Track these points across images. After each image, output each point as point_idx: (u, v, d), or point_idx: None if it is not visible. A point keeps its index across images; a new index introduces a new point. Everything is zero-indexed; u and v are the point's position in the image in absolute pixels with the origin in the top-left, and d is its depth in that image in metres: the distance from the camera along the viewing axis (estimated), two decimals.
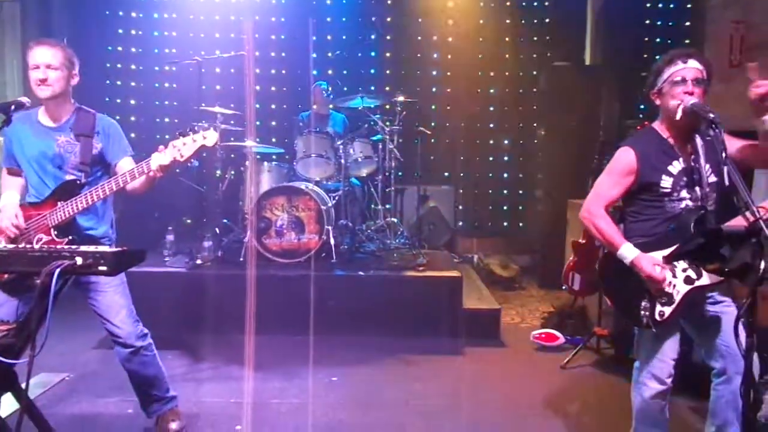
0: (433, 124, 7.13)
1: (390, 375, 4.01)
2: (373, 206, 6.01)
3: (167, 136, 6.89)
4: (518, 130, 7.39)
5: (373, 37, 7.10)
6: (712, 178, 2.42)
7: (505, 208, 7.50)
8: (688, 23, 6.55)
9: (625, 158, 2.49)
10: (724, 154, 2.09)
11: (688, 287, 2.40)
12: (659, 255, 2.43)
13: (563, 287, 4.51)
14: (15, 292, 2.54)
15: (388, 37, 7.27)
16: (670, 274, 2.40)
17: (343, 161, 5.39)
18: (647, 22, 6.79)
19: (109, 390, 3.54)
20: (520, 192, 7.46)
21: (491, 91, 7.35)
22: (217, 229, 5.39)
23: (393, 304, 4.75)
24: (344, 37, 7.18)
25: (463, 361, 4.33)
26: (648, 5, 6.79)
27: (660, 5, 6.77)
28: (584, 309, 4.81)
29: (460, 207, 7.33)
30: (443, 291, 4.76)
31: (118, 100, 7.24)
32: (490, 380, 3.98)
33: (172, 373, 3.82)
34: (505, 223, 7.49)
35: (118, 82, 7.27)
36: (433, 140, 7.09)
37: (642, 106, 5.90)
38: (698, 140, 2.42)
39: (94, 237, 2.81)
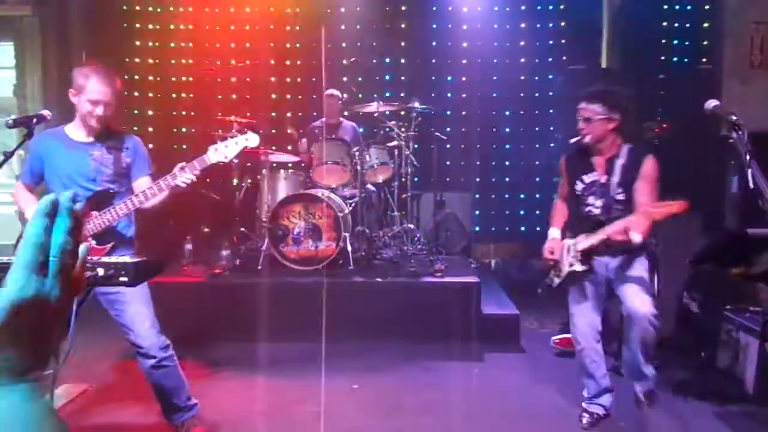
0: (448, 129, 7.11)
1: (409, 382, 4.00)
2: (389, 213, 6.00)
3: (184, 146, 7.07)
4: (535, 135, 7.35)
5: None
6: (621, 197, 3.04)
7: (522, 212, 7.44)
8: (706, 24, 6.47)
9: (561, 162, 3.37)
10: (748, 157, 2.06)
11: (568, 270, 3.21)
12: (572, 241, 3.20)
13: None
14: None
15: (403, 44, 7.28)
16: (565, 253, 3.21)
17: (359, 167, 5.39)
18: (664, 24, 6.71)
19: (129, 401, 3.56)
20: (537, 196, 7.40)
21: (506, 95, 7.31)
22: (235, 238, 5.42)
23: (411, 311, 4.73)
24: (359, 44, 7.20)
25: (483, 367, 4.30)
26: (665, 7, 6.71)
27: (677, 7, 6.68)
28: (605, 314, 4.75)
29: (477, 212, 7.29)
30: (461, 297, 4.73)
31: (136, 111, 7.32)
32: (510, 386, 3.95)
33: (192, 382, 3.82)
34: (523, 228, 7.43)
35: (136, 93, 7.34)
36: (448, 146, 7.07)
37: (660, 108, 5.83)
38: (618, 161, 3.06)
39: (128, 238, 2.93)
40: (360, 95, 6.20)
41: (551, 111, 7.13)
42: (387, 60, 7.27)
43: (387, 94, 6.95)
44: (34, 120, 2.38)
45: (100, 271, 2.01)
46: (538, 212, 7.38)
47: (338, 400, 3.70)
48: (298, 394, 3.77)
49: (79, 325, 2.34)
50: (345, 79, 6.60)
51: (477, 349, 4.51)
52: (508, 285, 6.12)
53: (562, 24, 7.20)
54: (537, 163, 7.35)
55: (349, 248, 5.02)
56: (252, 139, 2.75)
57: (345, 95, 6.21)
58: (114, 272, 2.03)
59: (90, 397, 3.77)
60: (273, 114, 7.14)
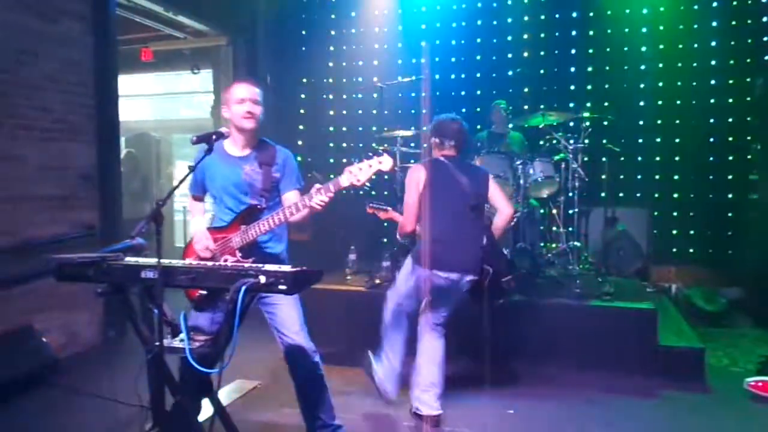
0: (623, 140, 6.59)
1: (571, 413, 3.71)
2: (554, 229, 5.69)
3: (354, 160, 7.39)
4: (727, 145, 6.51)
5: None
6: None
7: (709, 233, 6.61)
8: None
9: None
10: None
11: None
12: None
13: None
14: (204, 308, 2.78)
15: (573, 51, 6.91)
16: None
17: (521, 181, 5.19)
18: None
19: (294, 401, 3.73)
20: (729, 215, 6.53)
21: (693, 102, 6.58)
22: (395, 249, 5.50)
23: (575, 336, 4.42)
24: (525, 55, 6.98)
25: (659, 405, 3.86)
26: None
27: None
28: None
29: (655, 231, 6.63)
30: (634, 324, 4.32)
31: (309, 128, 7.85)
32: (690, 430, 3.48)
33: (344, 390, 3.94)
34: (710, 250, 6.60)
35: (308, 111, 7.88)
36: (622, 158, 6.55)
37: None
38: None
39: (273, 255, 2.96)
40: (526, 106, 5.99)
41: (748, 119, 6.28)
42: (555, 69, 6.94)
43: (555, 105, 6.62)
44: (214, 137, 2.57)
45: (262, 279, 2.14)
46: (730, 233, 6.52)
47: (492, 423, 3.55)
48: (451, 412, 3.68)
49: (255, 322, 2.50)
50: (510, 90, 6.46)
51: (651, 384, 4.06)
52: (691, 314, 5.47)
53: (765, 19, 6.31)
54: (729, 177, 6.51)
55: None
56: (385, 163, 2.68)
57: (511, 107, 6.05)
58: (274, 280, 2.15)
59: (260, 394, 4.03)
60: None
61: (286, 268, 2.21)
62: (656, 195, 6.73)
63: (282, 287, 2.12)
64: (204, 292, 2.69)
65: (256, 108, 2.90)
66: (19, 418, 3.63)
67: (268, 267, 2.23)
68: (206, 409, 2.64)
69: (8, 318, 4.21)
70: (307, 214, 2.80)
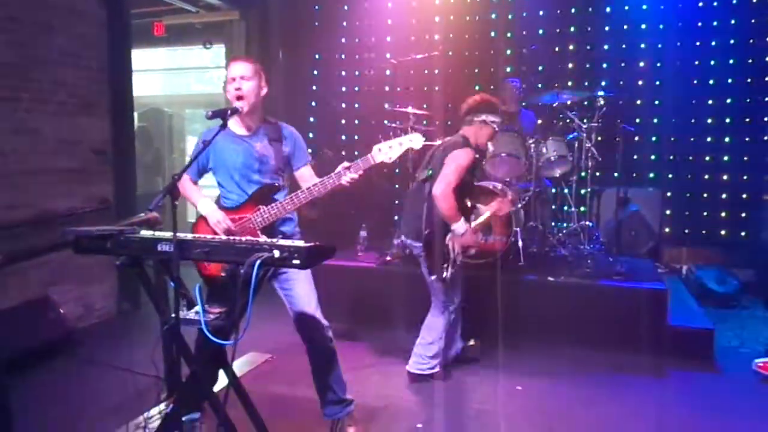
0: (638, 120, 6.51)
1: (580, 391, 3.74)
2: (566, 208, 5.68)
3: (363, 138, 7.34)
4: (744, 126, 6.42)
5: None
6: None
7: (723, 214, 6.56)
8: None
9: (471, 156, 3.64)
10: None
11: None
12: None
13: None
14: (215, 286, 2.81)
15: (589, 29, 6.80)
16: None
17: (534, 160, 5.16)
18: None
19: (304, 375, 3.78)
20: (743, 197, 6.47)
21: (710, 82, 6.48)
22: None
23: (586, 315, 4.44)
24: (540, 32, 6.89)
25: (667, 384, 3.89)
26: None
27: None
28: None
29: (668, 212, 6.59)
30: (644, 304, 4.32)
31: (321, 104, 7.81)
32: (699, 410, 3.51)
33: (357, 365, 4.00)
34: (723, 232, 6.56)
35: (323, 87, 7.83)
36: (636, 138, 6.48)
37: None
38: None
39: (287, 235, 2.95)
40: (540, 85, 5.91)
41: (766, 99, 6.19)
42: (570, 47, 6.84)
43: (569, 83, 6.55)
44: (229, 112, 2.57)
45: (276, 253, 2.16)
46: (743, 215, 6.47)
47: (500, 399, 3.59)
48: (460, 387, 3.74)
49: (268, 298, 2.53)
50: (524, 68, 6.39)
51: (660, 364, 4.09)
52: (702, 295, 5.47)
53: None
54: (745, 158, 6.43)
55: (521, 244, 4.84)
56: (416, 141, 2.75)
57: (524, 85, 5.99)
58: (288, 255, 2.17)
59: (272, 367, 4.10)
60: (449, 105, 7.12)
61: (300, 243, 2.23)
62: (670, 175, 6.68)
63: (296, 261, 2.14)
64: (217, 275, 2.72)
65: (247, 84, 2.82)
66: (36, 387, 3.72)
67: (282, 242, 2.25)
68: (221, 380, 2.69)
69: (26, 289, 4.30)
70: (330, 191, 2.78)
